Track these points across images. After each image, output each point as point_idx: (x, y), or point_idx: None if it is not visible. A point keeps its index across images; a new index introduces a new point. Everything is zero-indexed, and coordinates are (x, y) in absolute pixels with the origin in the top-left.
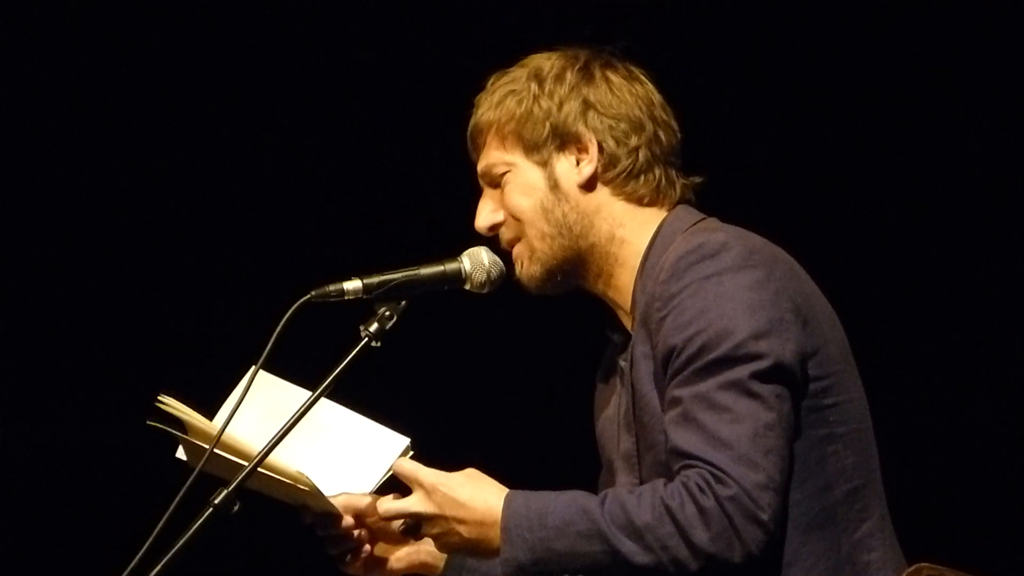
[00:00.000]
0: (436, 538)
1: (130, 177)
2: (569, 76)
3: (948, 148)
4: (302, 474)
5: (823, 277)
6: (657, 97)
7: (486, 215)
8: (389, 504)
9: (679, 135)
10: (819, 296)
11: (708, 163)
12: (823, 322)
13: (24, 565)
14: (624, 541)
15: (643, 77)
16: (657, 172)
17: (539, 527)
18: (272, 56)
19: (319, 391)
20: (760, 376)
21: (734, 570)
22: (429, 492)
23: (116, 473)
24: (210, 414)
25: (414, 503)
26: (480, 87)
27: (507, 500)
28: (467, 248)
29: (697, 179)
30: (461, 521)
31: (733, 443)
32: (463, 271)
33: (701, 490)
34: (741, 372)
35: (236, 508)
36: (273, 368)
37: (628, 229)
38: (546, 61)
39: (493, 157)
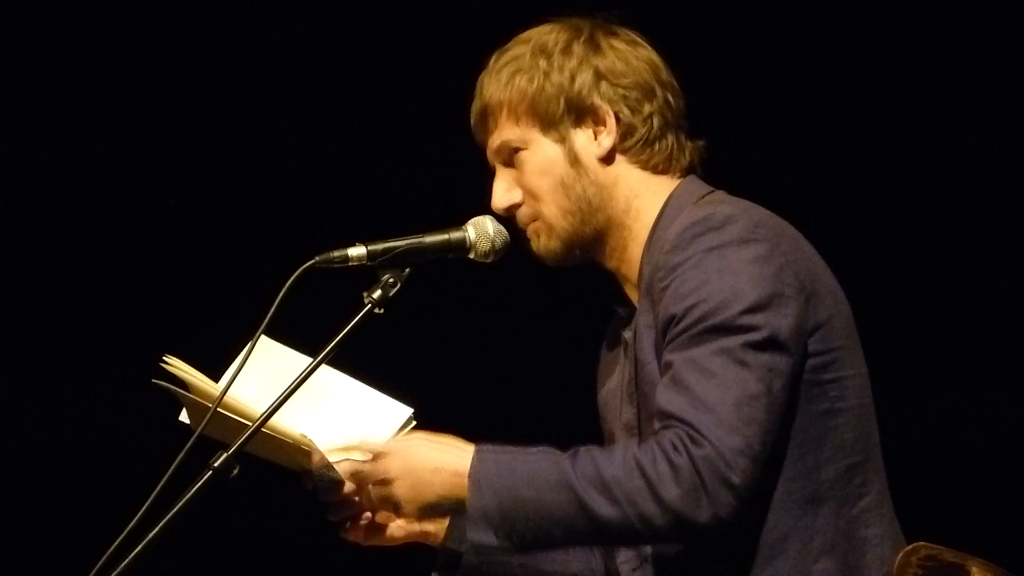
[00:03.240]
0: (406, 496)
1: (133, 142)
2: (576, 48)
3: (951, 122)
4: (305, 436)
5: (826, 252)
6: (660, 60)
7: (502, 195)
8: (358, 474)
9: (683, 97)
10: (825, 270)
11: (716, 135)
12: (827, 297)
13: (21, 526)
14: (591, 493)
15: (643, 41)
16: (670, 138)
17: (508, 475)
18: (275, 23)
19: (321, 357)
20: (753, 346)
21: (704, 533)
22: (394, 454)
23: (118, 436)
24: (214, 379)
25: (379, 467)
26: (481, 53)
27: (477, 451)
28: (472, 217)
29: (701, 141)
30: (434, 471)
31: (716, 407)
32: (468, 240)
33: (675, 448)
34: (734, 341)
35: (235, 472)
36: (276, 334)
37: (643, 200)
38: (549, 35)
39: (507, 135)
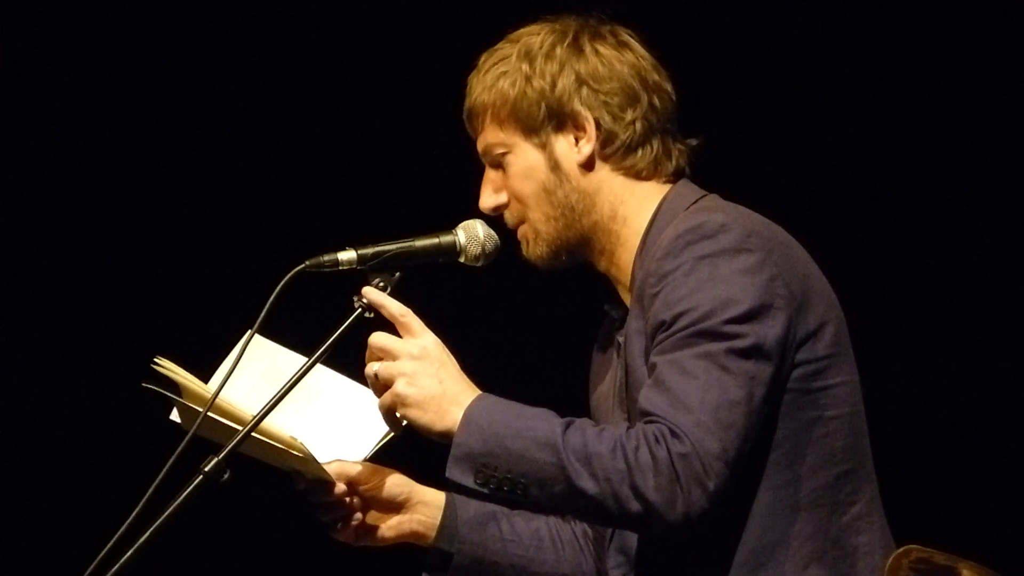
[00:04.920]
0: (409, 377)
1: (129, 143)
2: (559, 52)
3: (947, 121)
4: (296, 440)
5: (819, 255)
6: (648, 61)
7: (489, 197)
8: (386, 338)
9: (674, 96)
10: (819, 278)
11: (710, 134)
12: (819, 305)
13: (13, 529)
14: (573, 461)
15: (632, 41)
16: (655, 144)
17: (501, 423)
18: (268, 24)
19: (311, 361)
20: (737, 353)
21: (671, 530)
22: (428, 339)
23: (109, 438)
24: (205, 380)
25: (412, 345)
26: (475, 55)
27: (480, 394)
28: (463, 220)
29: (693, 141)
30: (442, 381)
31: (695, 409)
32: (458, 244)
33: (657, 440)
34: (718, 346)
35: (226, 476)
36: (268, 337)
37: (628, 206)
38: (535, 37)
39: (491, 138)
